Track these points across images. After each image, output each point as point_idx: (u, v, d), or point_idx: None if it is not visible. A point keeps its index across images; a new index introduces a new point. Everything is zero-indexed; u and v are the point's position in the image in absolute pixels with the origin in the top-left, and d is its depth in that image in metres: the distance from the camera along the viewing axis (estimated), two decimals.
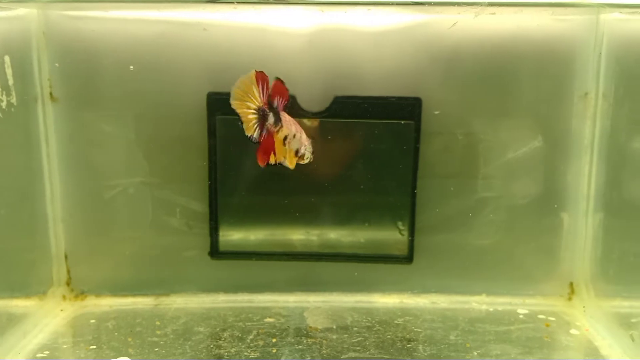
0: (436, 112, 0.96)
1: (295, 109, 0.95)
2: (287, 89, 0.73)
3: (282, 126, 0.72)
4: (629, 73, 0.88)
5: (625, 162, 0.90)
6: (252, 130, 0.72)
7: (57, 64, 0.93)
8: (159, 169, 0.99)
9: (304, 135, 0.74)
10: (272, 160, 0.72)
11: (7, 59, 0.85)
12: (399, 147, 0.97)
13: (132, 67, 0.95)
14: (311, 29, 0.94)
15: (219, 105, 0.95)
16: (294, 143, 0.72)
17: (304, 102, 0.96)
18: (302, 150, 0.73)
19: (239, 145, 0.97)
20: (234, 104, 0.71)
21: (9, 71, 0.85)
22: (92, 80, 0.95)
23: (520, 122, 0.97)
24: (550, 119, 0.96)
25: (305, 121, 0.94)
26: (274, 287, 1.03)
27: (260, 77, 0.71)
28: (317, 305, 1.00)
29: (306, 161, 0.75)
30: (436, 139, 0.98)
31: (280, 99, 0.73)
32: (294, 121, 0.74)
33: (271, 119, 0.72)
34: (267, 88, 0.72)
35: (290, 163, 0.73)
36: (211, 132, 0.96)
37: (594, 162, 0.95)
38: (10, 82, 0.86)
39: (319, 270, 1.03)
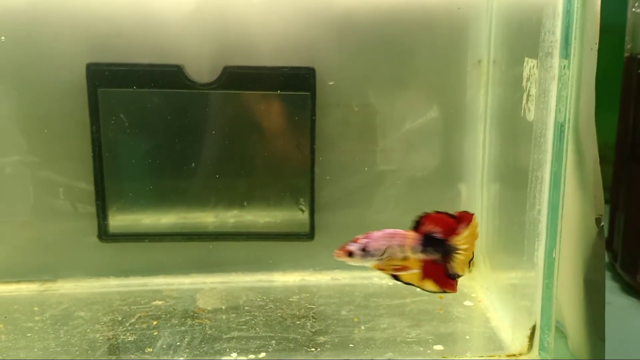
0: (331, 83, 0.93)
1: (182, 80, 0.91)
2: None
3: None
4: (514, 41, 0.86)
5: (514, 132, 0.88)
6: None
7: None
8: (39, 146, 0.93)
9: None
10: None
11: None
12: (295, 119, 0.94)
13: (2, 37, 0.88)
14: None
15: (100, 77, 0.90)
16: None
17: (192, 72, 0.92)
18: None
19: (124, 119, 0.92)
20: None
21: None
22: None
23: (416, 92, 0.94)
24: (445, 88, 0.94)
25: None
26: (169, 269, 0.98)
27: None
28: (213, 286, 0.96)
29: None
30: (332, 111, 0.95)
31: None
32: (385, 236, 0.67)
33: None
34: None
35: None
36: (92, 105, 0.91)
37: (487, 132, 0.93)
38: None
39: (218, 251, 0.99)
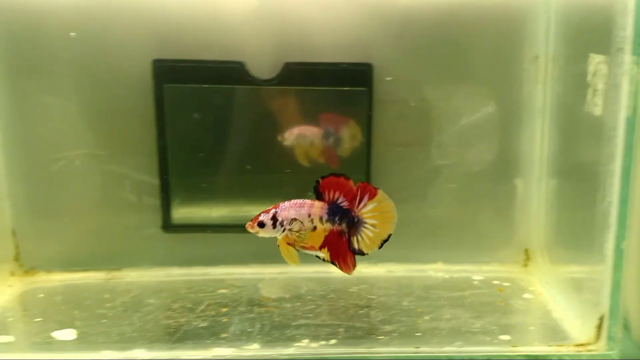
0: (388, 79, 0.95)
1: (243, 76, 0.94)
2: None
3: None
4: (575, 37, 0.87)
5: (576, 128, 0.89)
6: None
7: None
8: (106, 140, 0.96)
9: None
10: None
11: None
12: (352, 115, 0.96)
13: (73, 33, 0.91)
14: None
15: (165, 73, 0.93)
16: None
17: (253, 68, 0.94)
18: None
19: (188, 114, 0.95)
20: None
21: None
22: (32, 48, 0.92)
23: (472, 87, 0.96)
24: (502, 84, 0.95)
25: None
26: (229, 260, 1.01)
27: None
28: (273, 276, 0.98)
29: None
30: (389, 107, 0.96)
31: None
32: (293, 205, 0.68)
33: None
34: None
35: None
36: (158, 101, 0.94)
37: (546, 127, 0.94)
38: None
39: (276, 243, 1.01)
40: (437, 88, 0.96)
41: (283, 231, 0.67)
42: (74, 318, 0.84)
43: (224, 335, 0.79)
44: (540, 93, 0.94)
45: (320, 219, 0.66)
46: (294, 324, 0.82)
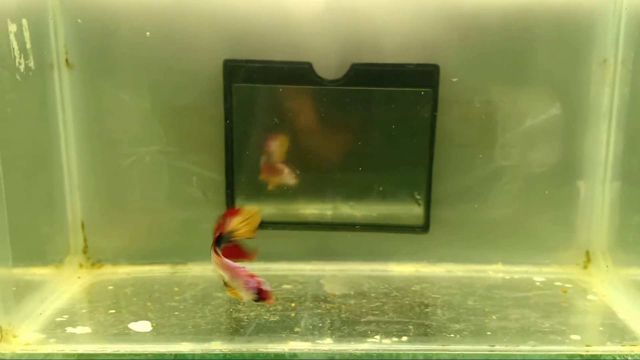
0: (454, 80, 0.96)
1: (311, 76, 0.95)
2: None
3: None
4: None
5: None
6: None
7: (79, 20, 0.93)
8: (176, 137, 0.99)
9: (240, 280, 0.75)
10: None
11: (24, 21, 0.84)
12: (416, 115, 0.97)
13: (148, 33, 0.94)
14: None
15: (235, 72, 0.95)
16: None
17: (320, 69, 0.95)
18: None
19: (255, 113, 0.97)
20: None
21: (26, 34, 0.85)
22: (109, 46, 0.95)
23: (538, 89, 0.96)
24: (568, 86, 0.96)
25: None
26: (289, 256, 1.03)
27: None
28: (333, 273, 1.00)
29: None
30: (454, 107, 0.97)
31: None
32: (230, 267, 0.75)
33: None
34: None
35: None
36: (227, 100, 0.96)
37: (612, 130, 0.94)
38: (28, 45, 0.85)
39: (334, 241, 1.03)
40: (502, 90, 0.96)
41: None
42: (147, 310, 0.87)
43: (297, 329, 0.80)
44: (607, 96, 0.94)
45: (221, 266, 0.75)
46: (362, 320, 0.83)
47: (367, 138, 0.99)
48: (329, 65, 0.96)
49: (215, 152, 0.99)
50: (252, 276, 0.73)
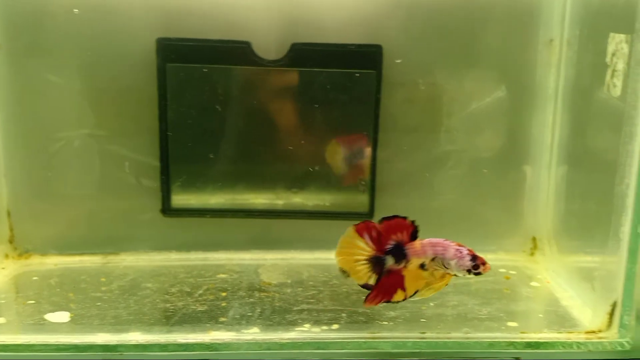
0: (398, 61, 0.92)
1: (250, 56, 0.91)
2: (407, 221, 0.70)
3: (409, 259, 0.69)
4: (593, 19, 0.84)
5: (589, 112, 0.87)
6: (364, 279, 0.70)
7: None
8: (107, 120, 0.94)
9: (450, 251, 0.69)
10: (398, 298, 0.69)
11: None
12: (360, 98, 0.93)
13: (76, 10, 0.89)
14: None
15: (169, 52, 0.91)
16: (439, 265, 0.68)
17: (259, 49, 0.91)
18: (457, 267, 0.68)
19: (191, 95, 0.93)
20: (339, 260, 0.71)
21: None
22: (36, 25, 0.89)
23: (484, 71, 0.93)
24: (514, 68, 0.93)
25: None
26: (229, 245, 0.99)
27: (364, 227, 0.70)
28: (273, 262, 0.96)
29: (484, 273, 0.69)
30: (398, 90, 0.94)
31: (402, 233, 0.70)
32: (433, 242, 0.70)
33: (390, 261, 0.69)
34: (377, 233, 0.70)
35: (436, 287, 0.69)
36: (161, 81, 0.92)
37: (558, 113, 0.92)
38: None
39: (277, 229, 0.99)
40: (447, 71, 0.93)
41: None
42: (69, 301, 0.82)
43: (222, 319, 0.76)
44: (554, 77, 0.91)
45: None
46: (295, 308, 0.79)
47: (309, 121, 0.95)
48: (269, 45, 0.92)
49: (149, 136, 0.94)
50: (460, 245, 0.68)
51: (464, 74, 0.93)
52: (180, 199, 0.96)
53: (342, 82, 0.93)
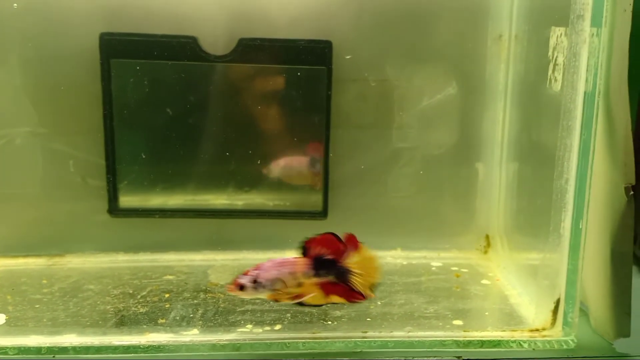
0: (348, 57, 0.91)
1: (196, 52, 0.89)
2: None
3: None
4: (538, 13, 0.84)
5: (536, 109, 0.86)
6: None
7: None
8: (50, 118, 0.91)
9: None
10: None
11: None
12: (310, 94, 0.92)
13: (15, 5, 0.86)
14: None
15: (113, 47, 0.88)
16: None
17: (206, 44, 0.89)
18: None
19: (136, 91, 0.90)
20: None
21: None
22: None
23: (434, 67, 0.93)
24: (464, 64, 0.92)
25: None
26: (179, 246, 0.97)
27: None
28: (224, 263, 0.94)
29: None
30: (349, 86, 0.93)
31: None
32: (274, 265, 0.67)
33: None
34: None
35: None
36: (105, 77, 0.89)
37: (508, 109, 0.91)
38: None
39: (229, 229, 0.97)
40: (398, 68, 0.92)
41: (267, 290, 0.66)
42: (7, 303, 0.79)
43: (162, 320, 0.74)
44: (503, 73, 0.91)
45: (305, 274, 0.66)
46: (239, 309, 0.77)
47: (258, 119, 0.93)
48: (216, 40, 0.90)
49: (94, 134, 0.92)
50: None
51: (415, 70, 0.93)
52: (127, 199, 0.94)
53: (292, 78, 0.91)
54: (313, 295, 0.66)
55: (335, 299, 0.67)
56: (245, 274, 0.66)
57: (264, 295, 0.66)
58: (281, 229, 0.97)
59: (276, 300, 0.67)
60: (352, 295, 0.67)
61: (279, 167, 0.93)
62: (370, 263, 0.67)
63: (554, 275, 0.70)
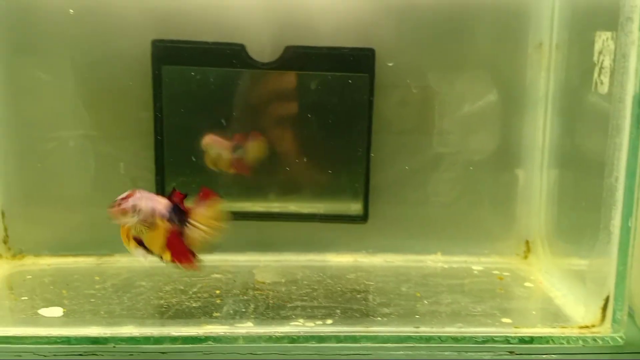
0: (390, 64, 0.94)
1: (244, 59, 0.92)
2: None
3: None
4: (580, 21, 0.86)
5: (578, 114, 0.88)
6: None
7: None
8: (102, 121, 0.94)
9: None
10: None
11: None
12: (353, 101, 0.94)
13: (71, 10, 0.90)
14: None
15: (164, 54, 0.91)
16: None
17: (253, 52, 0.92)
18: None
19: (186, 96, 0.93)
20: None
21: None
22: (29, 23, 0.90)
23: (475, 74, 0.95)
24: (505, 71, 0.94)
25: None
26: (224, 247, 0.98)
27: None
28: (268, 264, 0.96)
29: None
30: (390, 93, 0.95)
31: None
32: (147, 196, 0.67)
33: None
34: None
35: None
36: (156, 82, 0.92)
37: (549, 115, 0.93)
38: None
39: (272, 231, 0.99)
40: (439, 75, 0.94)
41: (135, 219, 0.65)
42: (62, 297, 0.82)
43: (216, 314, 0.76)
44: (544, 80, 0.93)
45: (161, 214, 0.66)
46: (289, 305, 0.79)
47: (302, 124, 0.96)
48: (263, 48, 0.93)
49: (144, 138, 0.94)
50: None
51: (456, 77, 0.95)
52: None
53: (335, 85, 0.94)
54: (153, 239, 0.65)
55: (167, 256, 0.66)
56: (125, 198, 0.65)
57: (130, 222, 0.65)
58: (321, 232, 1.00)
59: (125, 237, 0.66)
60: (186, 257, 0.66)
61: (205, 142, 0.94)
62: (216, 217, 0.67)
63: (602, 273, 0.72)
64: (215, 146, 0.93)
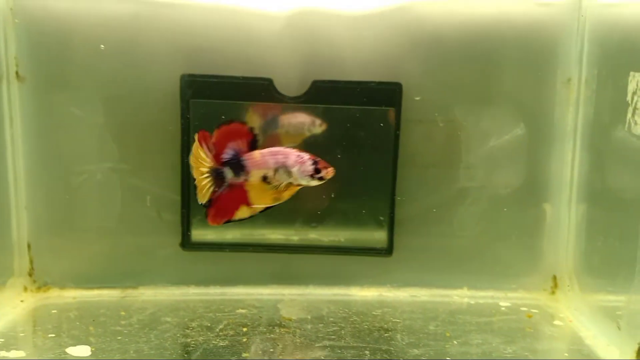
0: (417, 98, 0.94)
1: (272, 93, 0.92)
2: (246, 127, 0.64)
3: (249, 171, 0.63)
4: (611, 59, 0.86)
5: (609, 150, 0.87)
6: (204, 197, 0.66)
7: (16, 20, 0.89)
8: (130, 154, 0.95)
9: (291, 158, 0.65)
10: (242, 215, 0.64)
11: None
12: (379, 134, 0.94)
13: (102, 46, 0.91)
14: (289, 11, 0.91)
15: (192, 88, 0.92)
16: (282, 175, 0.64)
17: (281, 86, 0.93)
18: (300, 174, 0.63)
19: (213, 130, 0.93)
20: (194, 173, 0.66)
21: None
22: (61, 59, 0.91)
23: (502, 108, 0.94)
24: (532, 106, 0.94)
25: None
26: (247, 280, 0.99)
27: (202, 136, 0.65)
28: (292, 298, 0.96)
29: (327, 177, 0.65)
30: (417, 127, 0.95)
31: (240, 141, 0.65)
32: (273, 151, 0.65)
33: (229, 173, 0.64)
34: (212, 144, 0.65)
35: (279, 198, 0.65)
36: (184, 116, 0.93)
37: (577, 150, 0.92)
38: None
39: (295, 264, 0.99)
40: (465, 109, 0.94)
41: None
42: (89, 334, 0.82)
43: (245, 354, 0.76)
44: (572, 115, 0.92)
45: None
46: (317, 345, 0.79)
47: (328, 157, 0.95)
48: (290, 82, 0.93)
49: (171, 171, 0.95)
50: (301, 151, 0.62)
51: (482, 111, 0.95)
52: (199, 233, 0.97)
53: (362, 118, 0.94)
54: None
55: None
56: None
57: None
58: (345, 264, 0.99)
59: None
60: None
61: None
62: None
63: (637, 316, 0.70)
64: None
